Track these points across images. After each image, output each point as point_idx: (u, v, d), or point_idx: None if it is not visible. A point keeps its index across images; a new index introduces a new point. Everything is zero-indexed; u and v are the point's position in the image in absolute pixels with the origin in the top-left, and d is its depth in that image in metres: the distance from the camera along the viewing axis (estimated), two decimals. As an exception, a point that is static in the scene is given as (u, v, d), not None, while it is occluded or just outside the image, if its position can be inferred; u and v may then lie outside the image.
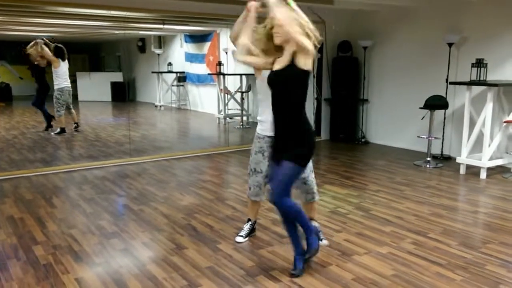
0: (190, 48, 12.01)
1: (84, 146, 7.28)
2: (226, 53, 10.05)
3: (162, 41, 13.03)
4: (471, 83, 5.55)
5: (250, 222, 3.61)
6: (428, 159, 6.10)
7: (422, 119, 6.47)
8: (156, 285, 2.82)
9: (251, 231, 3.61)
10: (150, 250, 3.35)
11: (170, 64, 12.67)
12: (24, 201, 4.52)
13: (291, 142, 2.79)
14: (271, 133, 3.00)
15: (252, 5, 2.96)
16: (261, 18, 2.91)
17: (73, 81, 12.70)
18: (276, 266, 3.07)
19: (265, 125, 3.24)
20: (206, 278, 2.91)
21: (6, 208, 4.30)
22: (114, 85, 13.70)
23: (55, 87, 8.00)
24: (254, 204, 3.57)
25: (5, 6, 5.93)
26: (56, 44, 8.03)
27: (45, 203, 4.48)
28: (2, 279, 2.90)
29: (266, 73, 2.89)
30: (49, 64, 8.01)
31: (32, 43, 7.89)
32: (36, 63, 8.07)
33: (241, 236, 3.54)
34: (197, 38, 11.63)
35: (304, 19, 2.69)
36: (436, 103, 6.08)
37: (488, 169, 5.48)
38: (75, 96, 12.84)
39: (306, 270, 2.98)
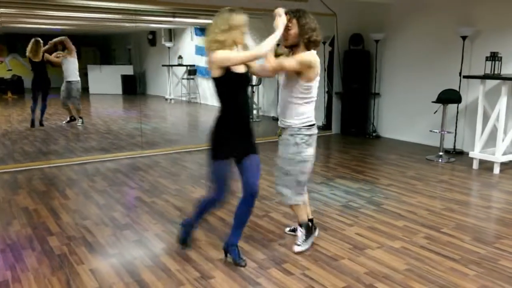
0: (201, 41, 11.99)
1: (96, 139, 7.33)
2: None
3: (172, 34, 13.04)
4: (485, 76, 5.48)
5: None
6: (441, 153, 6.06)
7: (434, 113, 6.41)
8: (169, 277, 2.84)
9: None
10: (163, 242, 3.38)
11: (180, 57, 12.69)
12: (38, 193, 4.58)
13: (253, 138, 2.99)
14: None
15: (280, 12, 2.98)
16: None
17: (85, 74, 12.84)
18: (288, 259, 3.08)
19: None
20: (218, 270, 2.92)
21: (20, 199, 4.36)
22: (125, 78, 13.76)
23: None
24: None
25: (17, -2, 5.98)
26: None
27: (58, 194, 4.53)
28: (17, 269, 2.94)
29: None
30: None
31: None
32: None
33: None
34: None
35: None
36: (449, 97, 6.02)
37: (502, 164, 5.42)
38: (86, 89, 12.95)
39: (318, 263, 3.00)
